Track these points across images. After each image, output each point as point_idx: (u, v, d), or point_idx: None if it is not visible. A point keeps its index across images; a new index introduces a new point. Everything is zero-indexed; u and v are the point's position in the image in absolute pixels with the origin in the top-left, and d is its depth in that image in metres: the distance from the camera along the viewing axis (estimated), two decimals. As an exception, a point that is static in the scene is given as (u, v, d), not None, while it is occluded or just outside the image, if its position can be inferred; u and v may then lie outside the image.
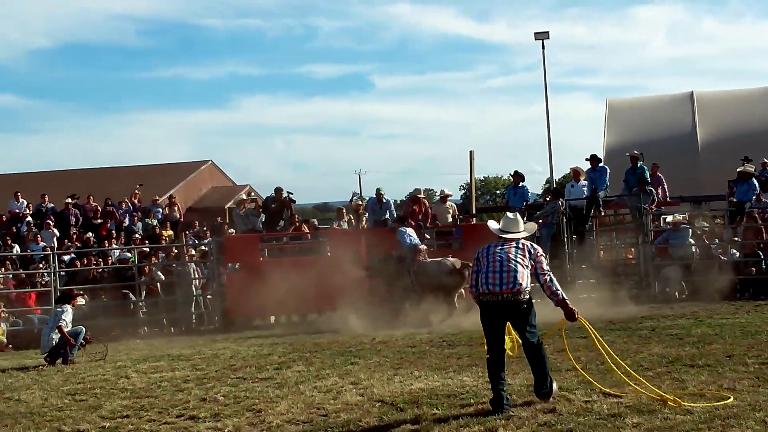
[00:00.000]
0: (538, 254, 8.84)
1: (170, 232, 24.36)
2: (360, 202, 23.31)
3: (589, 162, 22.22)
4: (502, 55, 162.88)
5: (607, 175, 22.30)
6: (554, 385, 8.72)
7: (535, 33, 39.83)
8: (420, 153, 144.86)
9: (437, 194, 23.39)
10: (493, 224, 9.41)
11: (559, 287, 8.73)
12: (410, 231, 19.11)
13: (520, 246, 8.88)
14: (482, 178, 76.70)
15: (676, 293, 19.99)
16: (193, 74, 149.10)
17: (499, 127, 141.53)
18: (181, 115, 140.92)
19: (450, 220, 21.89)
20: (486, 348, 8.83)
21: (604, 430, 7.19)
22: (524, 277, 8.61)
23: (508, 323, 8.74)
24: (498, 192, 76.53)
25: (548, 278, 8.71)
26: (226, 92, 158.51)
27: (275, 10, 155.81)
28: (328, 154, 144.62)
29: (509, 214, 9.36)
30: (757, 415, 7.38)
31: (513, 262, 8.68)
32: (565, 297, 8.71)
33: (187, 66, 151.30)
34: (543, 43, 40.10)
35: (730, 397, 8.28)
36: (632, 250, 22.11)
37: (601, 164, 22.52)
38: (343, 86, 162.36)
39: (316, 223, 24.61)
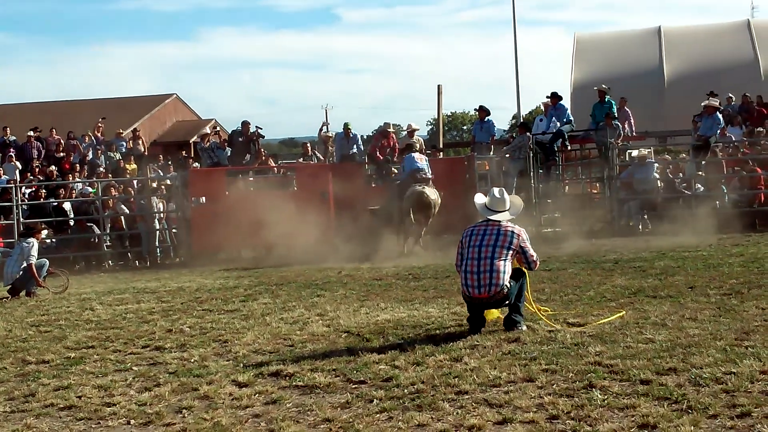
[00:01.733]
0: (522, 239, 8.84)
1: (134, 166, 24.08)
2: (329, 134, 23.19)
3: (549, 99, 22.28)
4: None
5: (568, 112, 22.39)
6: (523, 326, 8.73)
7: (504, -34, 39.50)
8: (388, 88, 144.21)
9: (405, 129, 23.20)
10: (479, 199, 9.31)
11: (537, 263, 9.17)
12: (417, 156, 18.82)
13: (502, 232, 8.81)
14: (449, 113, 76.47)
15: (640, 226, 20.19)
16: (158, 5, 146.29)
17: (467, 62, 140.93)
18: (146, 48, 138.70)
19: (417, 154, 21.74)
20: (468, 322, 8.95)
21: (567, 359, 7.25)
22: (501, 275, 8.62)
23: None
24: (465, 127, 76.44)
25: (534, 263, 8.99)
26: (192, 24, 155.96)
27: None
28: (295, 89, 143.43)
29: (496, 192, 9.21)
30: (717, 343, 7.47)
31: (490, 259, 8.64)
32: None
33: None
34: (511, -24, 39.73)
35: (622, 312, 9.18)
36: (597, 184, 22.26)
37: (561, 102, 22.49)
38: (310, 19, 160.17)
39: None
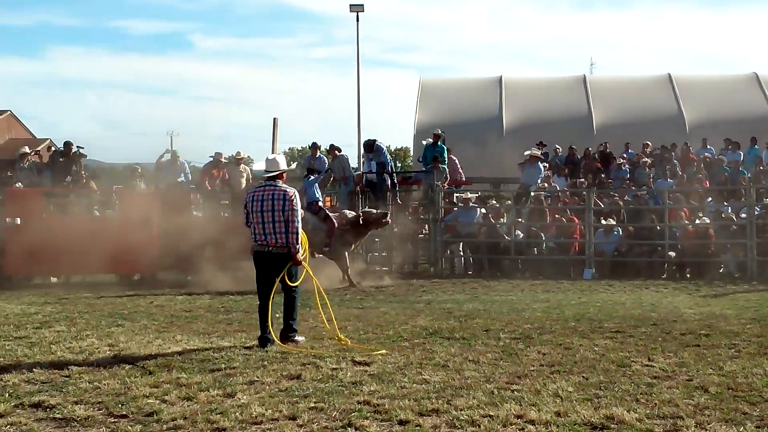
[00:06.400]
0: (293, 202, 9.92)
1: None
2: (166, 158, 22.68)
3: (365, 149, 22.65)
4: (325, 26, 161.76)
5: (385, 152, 22.67)
6: (300, 338, 10.01)
7: (351, 5, 39.56)
8: (236, 118, 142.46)
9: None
10: (258, 166, 10.11)
11: (299, 239, 10.05)
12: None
13: (279, 194, 9.97)
14: (289, 149, 76.20)
15: (463, 269, 20.58)
16: (1, 20, 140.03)
17: (315, 98, 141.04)
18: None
19: (244, 184, 21.41)
20: (258, 296, 10.18)
21: (339, 397, 7.23)
22: (283, 229, 9.92)
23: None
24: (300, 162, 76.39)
25: (295, 228, 9.94)
26: (36, 41, 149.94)
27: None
28: (141, 113, 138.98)
29: (269, 156, 10.38)
30: (487, 386, 7.60)
31: (273, 213, 9.91)
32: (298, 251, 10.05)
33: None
34: (357, 16, 39.95)
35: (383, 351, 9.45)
36: (426, 225, 22.56)
37: (377, 142, 22.60)
38: (162, 44, 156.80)
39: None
